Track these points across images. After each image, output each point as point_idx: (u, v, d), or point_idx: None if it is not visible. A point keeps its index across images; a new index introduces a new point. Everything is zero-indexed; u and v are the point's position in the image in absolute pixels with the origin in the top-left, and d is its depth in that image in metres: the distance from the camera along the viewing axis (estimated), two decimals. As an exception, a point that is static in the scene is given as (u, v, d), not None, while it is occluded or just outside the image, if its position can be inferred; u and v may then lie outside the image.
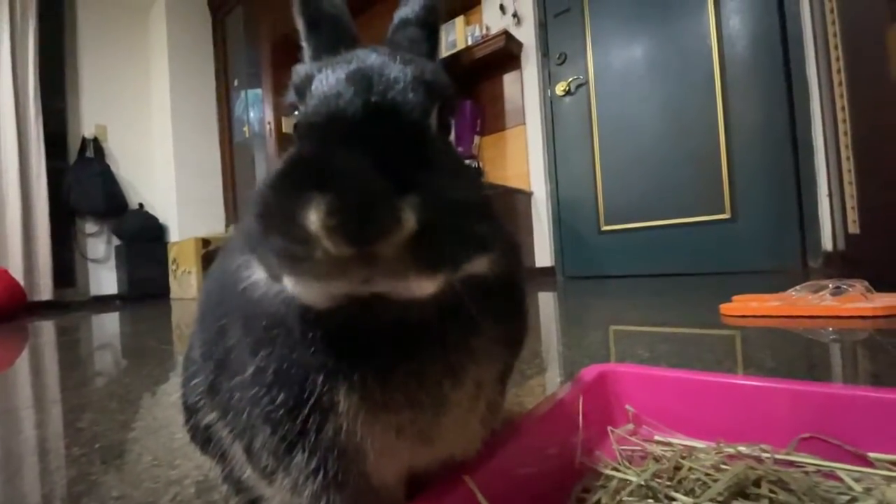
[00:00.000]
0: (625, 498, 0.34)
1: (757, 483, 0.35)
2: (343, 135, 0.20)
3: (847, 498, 0.31)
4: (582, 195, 3.27)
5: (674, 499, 0.33)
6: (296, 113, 0.25)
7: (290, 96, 0.25)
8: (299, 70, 0.26)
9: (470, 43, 3.41)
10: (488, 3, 3.57)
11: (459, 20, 3.57)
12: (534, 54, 3.37)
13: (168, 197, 4.65)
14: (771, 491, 0.34)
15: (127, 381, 1.05)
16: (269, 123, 4.54)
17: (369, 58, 0.24)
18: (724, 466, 0.39)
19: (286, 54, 4.53)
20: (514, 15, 3.42)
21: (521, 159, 3.50)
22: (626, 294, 2.21)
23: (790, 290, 1.36)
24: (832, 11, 1.70)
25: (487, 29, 3.49)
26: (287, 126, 4.55)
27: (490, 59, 3.36)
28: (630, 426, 0.47)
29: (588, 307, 1.84)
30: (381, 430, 0.25)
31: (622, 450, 0.43)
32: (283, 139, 4.49)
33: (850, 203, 1.75)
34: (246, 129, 4.96)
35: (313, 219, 0.17)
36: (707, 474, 0.38)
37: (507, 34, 3.25)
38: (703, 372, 0.48)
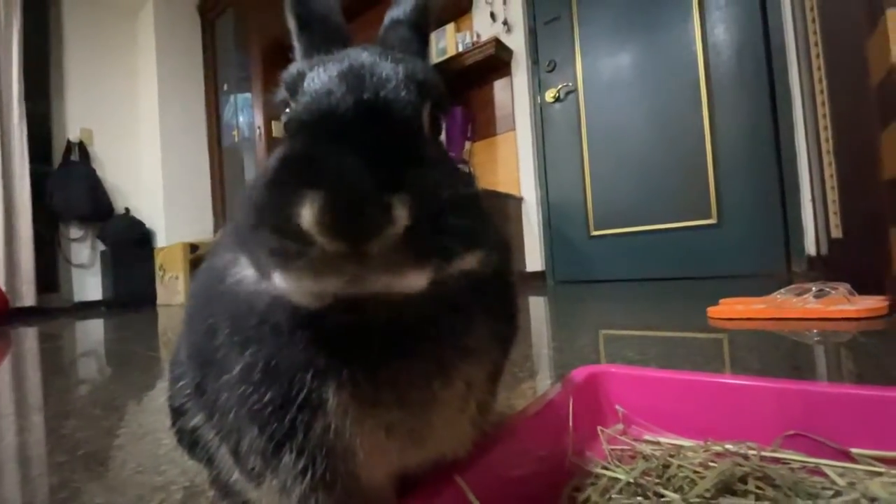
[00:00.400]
0: (614, 496, 0.34)
1: (743, 479, 0.35)
2: (335, 132, 0.20)
3: (831, 493, 0.32)
4: (572, 200, 3.29)
5: (662, 496, 0.34)
6: (287, 111, 0.25)
7: (282, 94, 0.25)
8: (291, 68, 0.26)
9: (461, 49, 3.44)
10: (479, 11, 3.61)
11: (450, 27, 3.59)
12: (524, 61, 3.41)
13: (155, 201, 4.60)
14: (757, 487, 0.34)
15: (112, 388, 1.04)
16: (259, 128, 4.52)
17: (361, 56, 0.24)
18: (711, 464, 0.39)
19: (277, 58, 4.52)
20: (505, 22, 3.45)
21: (512, 165, 3.52)
22: (615, 298, 2.23)
23: (775, 293, 1.39)
24: (813, 21, 1.75)
25: (478, 36, 3.52)
26: (277, 130, 4.53)
27: (481, 65, 3.38)
28: (620, 426, 0.48)
29: (578, 311, 1.85)
30: (370, 429, 0.25)
31: (612, 449, 0.44)
32: (273, 143, 4.48)
33: (833, 209, 1.79)
34: (235, 133, 4.93)
35: (306, 216, 0.17)
36: (695, 472, 0.38)
37: (497, 41, 3.28)
38: (690, 372, 0.49)
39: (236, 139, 4.91)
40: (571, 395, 0.45)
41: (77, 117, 4.33)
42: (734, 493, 0.34)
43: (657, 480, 0.36)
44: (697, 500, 0.33)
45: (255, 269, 0.22)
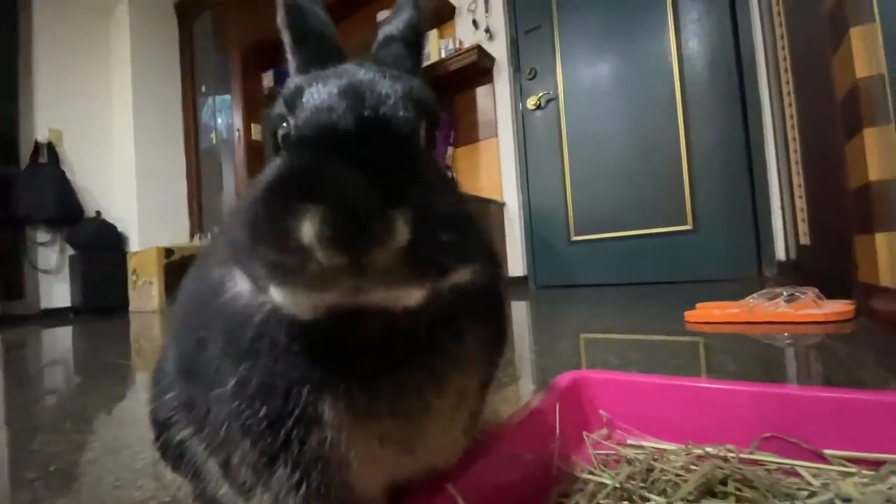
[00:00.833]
0: (601, 501, 0.35)
1: (723, 482, 0.36)
2: (335, 147, 0.20)
3: (807, 493, 0.33)
4: (553, 206, 3.34)
5: (647, 499, 0.34)
6: (284, 125, 0.25)
7: (279, 108, 0.25)
8: (289, 83, 0.26)
9: (444, 56, 3.46)
10: (461, 18, 3.64)
11: (433, 34, 3.61)
12: (506, 69, 3.45)
13: (128, 204, 4.47)
14: (737, 489, 0.35)
15: (82, 400, 1.00)
16: (238, 130, 4.45)
17: (359, 73, 0.24)
18: (693, 467, 0.40)
19: (256, 61, 4.47)
20: (487, 30, 3.49)
21: (494, 171, 3.55)
22: (595, 302, 2.26)
23: (748, 298, 1.43)
24: (782, 38, 1.82)
25: (461, 43, 3.54)
26: (256, 132, 4.46)
27: (463, 72, 3.41)
28: (604, 431, 0.49)
29: (559, 315, 1.87)
30: (365, 441, 0.25)
31: (597, 454, 0.44)
32: (252, 146, 4.41)
33: (801, 216, 1.86)
34: (213, 135, 4.84)
35: (307, 230, 0.17)
36: (677, 475, 0.39)
37: (479, 49, 3.31)
38: (671, 376, 0.50)
39: (214, 141, 4.82)
40: (557, 400, 0.45)
41: (46, 117, 4.19)
42: (715, 496, 0.35)
43: (642, 484, 0.37)
44: (681, 503, 0.34)
45: (252, 282, 0.22)
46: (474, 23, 3.54)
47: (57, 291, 4.16)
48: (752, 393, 0.45)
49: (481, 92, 3.59)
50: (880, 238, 1.00)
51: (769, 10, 2.06)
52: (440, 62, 3.42)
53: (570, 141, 3.28)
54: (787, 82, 1.81)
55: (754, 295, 1.45)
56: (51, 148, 4.14)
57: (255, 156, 4.40)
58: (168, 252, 3.98)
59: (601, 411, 0.50)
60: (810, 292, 1.32)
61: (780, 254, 2.54)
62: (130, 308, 4.13)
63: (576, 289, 3.13)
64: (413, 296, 0.20)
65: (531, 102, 3.40)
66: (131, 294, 4.15)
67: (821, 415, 0.42)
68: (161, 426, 0.36)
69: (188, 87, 4.97)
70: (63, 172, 4.15)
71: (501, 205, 3.46)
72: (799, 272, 2.02)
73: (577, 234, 3.26)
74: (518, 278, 3.40)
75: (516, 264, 3.42)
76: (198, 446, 0.33)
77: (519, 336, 1.44)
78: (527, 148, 3.46)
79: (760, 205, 2.64)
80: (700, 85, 2.84)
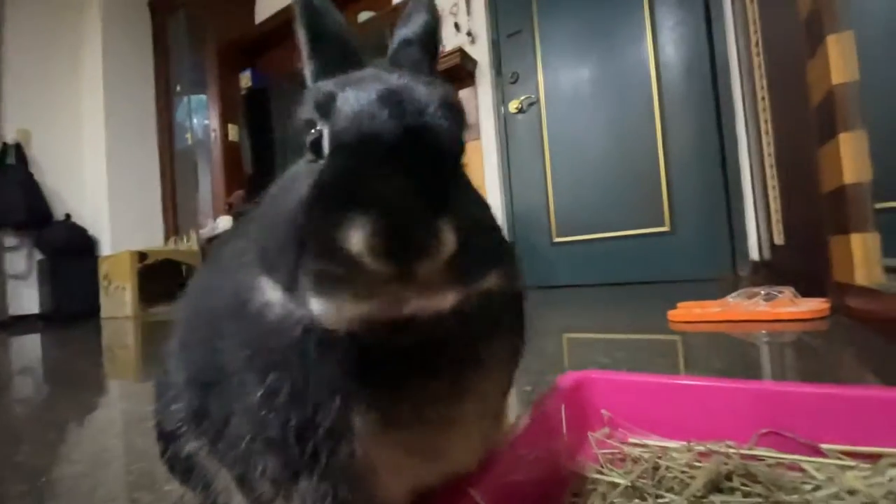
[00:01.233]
0: (615, 500, 0.35)
1: (729, 477, 0.37)
2: (379, 156, 0.20)
3: (811, 486, 0.34)
4: (535, 208, 3.38)
5: (661, 496, 0.35)
6: (313, 131, 0.25)
7: (307, 112, 0.25)
8: (320, 87, 0.25)
9: (425, 58, 3.46)
10: (443, 21, 3.64)
11: (415, 35, 3.61)
12: (488, 72, 3.47)
13: (99, 207, 4.32)
14: (742, 483, 0.36)
15: (61, 410, 0.96)
16: (215, 131, 4.35)
17: (393, 78, 0.24)
18: (696, 464, 0.41)
19: (233, 60, 4.38)
20: (469, 34, 3.51)
21: (477, 173, 3.57)
22: (579, 303, 2.30)
23: (727, 297, 1.48)
24: (757, 45, 1.89)
25: (443, 46, 3.55)
26: (233, 134, 4.37)
27: (446, 74, 3.42)
28: (606, 430, 0.49)
29: (545, 316, 1.89)
30: (391, 449, 0.25)
31: (602, 453, 0.45)
32: (228, 147, 4.32)
33: (776, 217, 1.93)
34: (189, 135, 4.72)
35: (356, 239, 0.17)
36: (682, 472, 0.40)
37: (462, 52, 3.33)
38: (670, 375, 0.52)
39: (190, 142, 4.71)
40: (563, 402, 0.46)
41: (13, 117, 4.01)
42: (721, 491, 0.36)
43: (651, 482, 0.38)
44: (692, 499, 0.34)
45: (285, 291, 0.22)
46: (456, 26, 3.56)
47: (26, 298, 3.98)
48: (749, 390, 0.47)
49: (464, 95, 3.60)
50: (856, 239, 1.04)
51: (743, 17, 2.14)
52: (423, 64, 3.41)
53: (551, 144, 3.32)
54: (762, 87, 1.87)
55: (733, 294, 1.50)
56: (18, 149, 3.97)
57: (232, 157, 4.31)
58: (142, 256, 3.86)
59: (603, 410, 0.51)
60: (787, 291, 1.37)
61: (754, 253, 2.63)
62: (102, 314, 3.99)
63: (558, 290, 3.17)
64: (451, 302, 0.20)
65: (513, 106, 3.43)
66: (103, 300, 4.01)
67: (817, 410, 0.43)
68: (168, 439, 0.35)
69: (162, 87, 4.84)
70: (31, 174, 3.99)
71: (485, 207, 3.48)
72: (772, 271, 2.09)
73: (559, 236, 3.30)
74: (502, 280, 3.42)
75: (500, 266, 3.44)
76: (209, 458, 0.32)
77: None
78: (509, 151, 3.49)
79: (734, 206, 2.73)
80: (676, 90, 2.91)
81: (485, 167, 3.52)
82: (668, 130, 2.92)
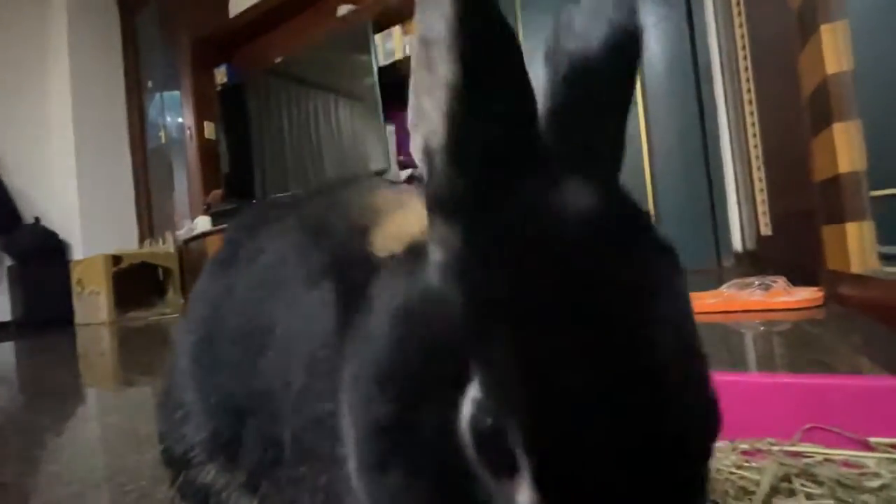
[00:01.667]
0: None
1: (786, 478, 0.36)
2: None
3: (876, 484, 0.33)
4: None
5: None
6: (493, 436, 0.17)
7: (483, 417, 0.17)
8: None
9: (408, 52, 3.41)
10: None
11: (396, 30, 3.55)
12: (470, 68, 3.44)
13: (69, 210, 4.13)
14: (802, 484, 0.35)
15: (43, 423, 0.90)
16: (190, 129, 4.21)
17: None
18: (746, 464, 0.39)
19: (208, 55, 4.24)
20: (451, 28, 3.47)
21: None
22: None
23: (722, 287, 1.49)
24: (743, 37, 1.91)
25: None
26: (209, 131, 4.23)
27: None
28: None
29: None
30: None
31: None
32: (204, 145, 4.18)
33: (762, 209, 1.96)
34: (162, 133, 4.56)
35: None
36: (732, 473, 0.38)
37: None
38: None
39: (163, 140, 4.55)
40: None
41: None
42: (780, 492, 0.35)
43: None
44: (754, 504, 0.33)
45: None
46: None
47: (-7, 305, 3.80)
48: (788, 384, 0.46)
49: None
50: (851, 228, 1.05)
51: (727, 11, 2.16)
52: (406, 59, 3.37)
53: (537, 138, 3.32)
54: (748, 80, 1.90)
55: (727, 284, 1.51)
56: (-22, 149, 3.77)
57: (209, 155, 4.17)
58: (116, 259, 3.72)
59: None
60: (780, 281, 1.38)
61: (737, 245, 2.68)
62: (77, 320, 3.83)
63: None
64: None
65: (498, 100, 3.41)
66: (77, 305, 3.84)
67: (859, 403, 0.42)
68: (179, 465, 0.31)
69: (133, 83, 4.65)
70: (-7, 174, 3.80)
71: (471, 203, 3.46)
72: (757, 262, 2.13)
73: (546, 231, 3.31)
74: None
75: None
76: (238, 491, 0.28)
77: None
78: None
79: (717, 199, 2.77)
80: (659, 86, 2.94)
81: (470, 163, 3.49)
82: (652, 127, 2.95)
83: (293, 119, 3.76)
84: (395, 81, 3.37)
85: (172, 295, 3.93)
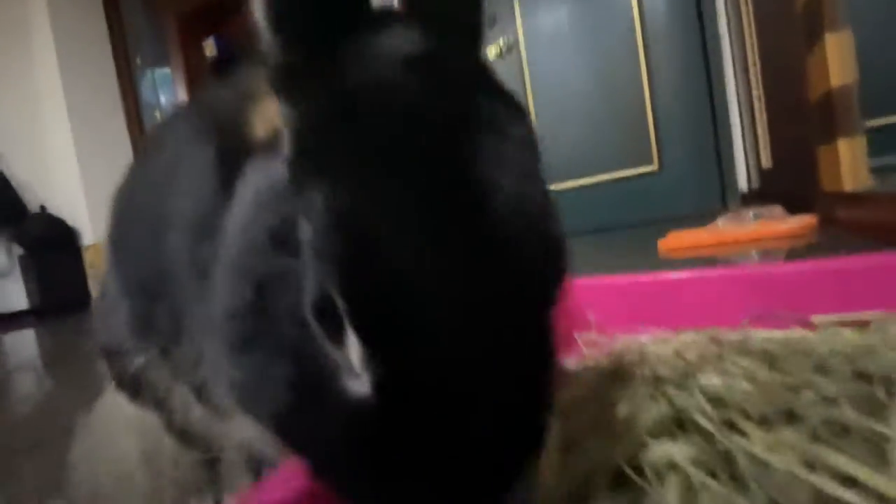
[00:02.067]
0: (601, 384, 0.34)
1: (720, 357, 0.36)
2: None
3: (805, 352, 0.32)
4: (520, 158, 3.31)
5: (656, 378, 0.33)
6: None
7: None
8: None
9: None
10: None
11: (382, -15, 3.43)
12: (462, 18, 3.32)
13: (74, 196, 4.18)
14: (732, 361, 0.35)
15: (74, 407, 0.90)
16: (185, 107, 4.18)
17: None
18: (683, 351, 0.40)
19: (196, 27, 4.14)
20: (438, -23, 3.33)
21: (458, 127, 3.48)
22: (569, 252, 2.27)
23: (716, 221, 1.46)
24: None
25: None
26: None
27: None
28: (593, 333, 0.48)
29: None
30: None
31: (589, 353, 0.43)
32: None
33: (763, 143, 1.90)
34: (157, 113, 4.54)
35: None
36: (668, 357, 0.38)
37: (432, -3, 3.17)
38: (654, 272, 0.49)
39: (159, 119, 4.53)
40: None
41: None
42: (709, 362, 0.34)
43: (637, 367, 0.36)
44: (681, 378, 0.33)
45: None
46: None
47: (12, 294, 3.92)
48: (736, 276, 0.45)
49: (439, 45, 3.46)
50: (843, 144, 1.02)
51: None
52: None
53: (533, 88, 3.23)
54: (747, 3, 1.80)
55: (721, 219, 1.48)
56: (-22, 140, 3.81)
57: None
58: (126, 241, 3.78)
59: (589, 315, 0.49)
60: (776, 210, 1.35)
61: (742, 183, 2.61)
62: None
63: (549, 239, 3.15)
64: None
65: (492, 51, 3.30)
66: (93, 288, 3.95)
67: (805, 287, 0.42)
68: (112, 355, 0.32)
69: (122, 62, 4.60)
70: (-4, 167, 3.85)
71: (469, 161, 3.41)
72: (762, 199, 2.08)
73: (546, 184, 3.26)
74: (492, 234, 3.40)
75: (489, 220, 3.41)
76: (159, 373, 0.29)
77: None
78: (490, 100, 3.39)
79: (722, 135, 2.69)
80: (660, 23, 2.81)
81: (466, 120, 3.42)
82: (653, 66, 2.83)
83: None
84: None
85: (183, 273, 4.00)
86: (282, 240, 0.18)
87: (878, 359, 0.28)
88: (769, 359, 0.32)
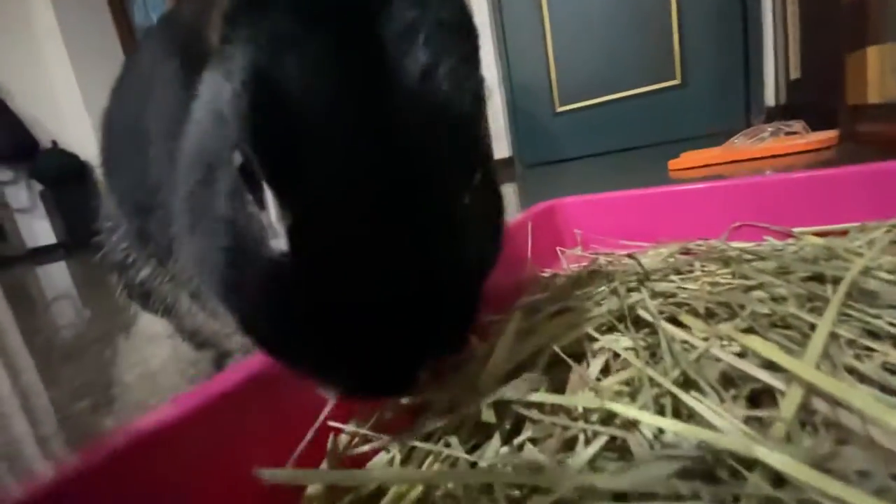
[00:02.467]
0: (570, 290, 0.36)
1: (690, 265, 0.37)
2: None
3: (775, 263, 0.33)
4: (536, 77, 3.15)
5: (623, 282, 0.35)
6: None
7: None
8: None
9: None
10: None
11: None
12: (468, -85, 2.99)
13: (83, 129, 4.16)
14: (702, 266, 0.36)
15: (116, 331, 0.96)
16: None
17: None
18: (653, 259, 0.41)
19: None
20: None
21: (467, 44, 3.26)
22: (583, 174, 2.23)
23: (732, 139, 1.41)
24: None
25: None
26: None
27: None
28: (578, 248, 0.49)
29: (546, 194, 1.85)
30: None
31: (573, 266, 0.45)
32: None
33: (793, 49, 1.76)
34: (155, 40, 4.35)
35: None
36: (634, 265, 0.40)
37: None
38: (641, 188, 0.50)
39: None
40: (530, 220, 0.45)
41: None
42: (680, 273, 0.36)
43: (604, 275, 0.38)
44: (646, 282, 0.34)
45: None
46: None
47: (39, 229, 4.08)
48: (720, 188, 0.45)
49: (445, -51, 3.15)
50: (872, 52, 0.94)
51: None
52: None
53: (550, 3, 2.97)
54: None
55: (738, 135, 1.42)
56: (-19, 76, 3.75)
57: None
58: (141, 175, 3.82)
59: (576, 231, 0.50)
60: (797, 125, 1.29)
61: (770, 98, 2.46)
62: (119, 236, 4.08)
63: (563, 164, 3.08)
64: None
65: (502, -44, 3.01)
66: (115, 222, 4.08)
67: (789, 197, 0.42)
68: (120, 268, 0.35)
69: (112, -15, 4.34)
70: (2, 101, 3.82)
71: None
72: (786, 114, 1.96)
73: (561, 105, 3.12)
74: (504, 160, 3.33)
75: (501, 145, 3.32)
76: (161, 283, 0.32)
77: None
78: (503, 13, 3.15)
79: (752, 43, 2.49)
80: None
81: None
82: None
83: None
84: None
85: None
86: (220, 115, 0.19)
87: (836, 263, 0.29)
88: (733, 264, 0.33)
